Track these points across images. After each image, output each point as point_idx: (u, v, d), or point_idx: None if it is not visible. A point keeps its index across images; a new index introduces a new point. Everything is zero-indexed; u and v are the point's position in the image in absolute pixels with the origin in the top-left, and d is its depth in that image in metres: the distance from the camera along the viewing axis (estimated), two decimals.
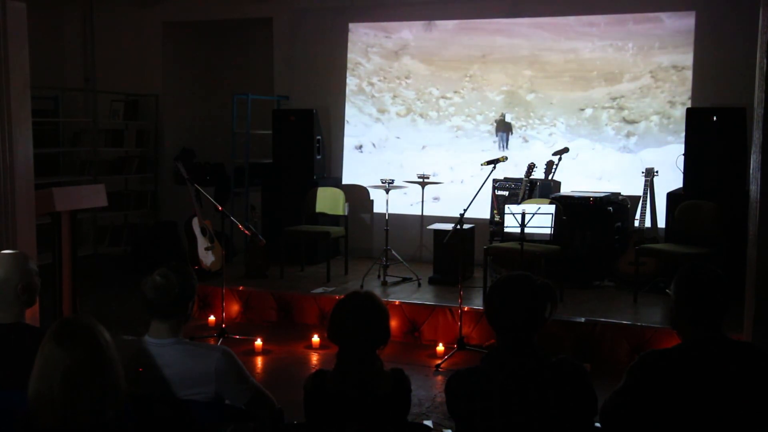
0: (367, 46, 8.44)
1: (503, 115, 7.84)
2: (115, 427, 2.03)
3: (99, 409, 1.98)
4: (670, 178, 6.83)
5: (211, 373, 2.63)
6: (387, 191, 6.90)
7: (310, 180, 7.79)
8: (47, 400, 1.96)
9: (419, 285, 6.75)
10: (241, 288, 6.70)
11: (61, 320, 2.14)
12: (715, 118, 6.41)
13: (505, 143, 7.82)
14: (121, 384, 2.05)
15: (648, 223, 6.78)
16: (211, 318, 6.40)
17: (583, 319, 5.64)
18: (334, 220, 7.55)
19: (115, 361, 2.05)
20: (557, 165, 7.08)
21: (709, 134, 6.40)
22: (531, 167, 6.92)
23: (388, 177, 7.06)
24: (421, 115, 8.24)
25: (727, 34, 6.88)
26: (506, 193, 7.11)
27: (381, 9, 8.33)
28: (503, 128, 7.84)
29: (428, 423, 4.14)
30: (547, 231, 5.85)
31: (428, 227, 7.09)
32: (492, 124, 7.88)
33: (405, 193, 7.77)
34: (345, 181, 8.37)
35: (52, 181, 7.62)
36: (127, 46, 9.33)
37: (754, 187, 4.72)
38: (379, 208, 8.04)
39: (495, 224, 7.01)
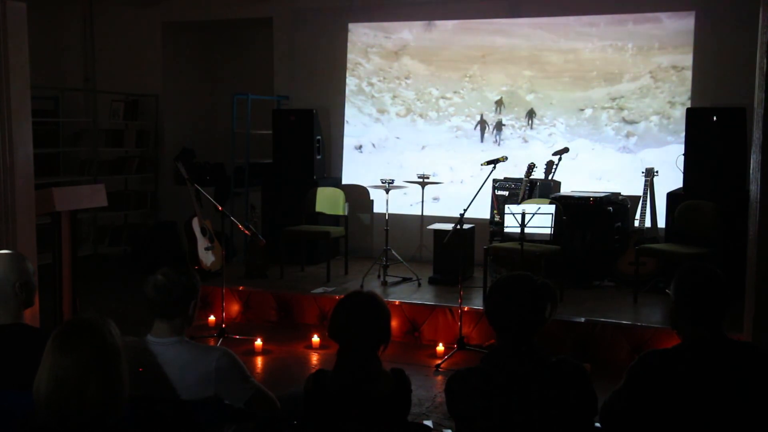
0: (367, 46, 8.44)
1: (500, 119, 7.85)
2: (117, 428, 2.03)
3: (101, 412, 1.98)
4: (670, 178, 6.83)
5: (212, 372, 2.63)
6: (387, 191, 6.90)
7: (310, 180, 7.79)
8: (50, 402, 1.96)
9: (419, 285, 6.75)
10: (241, 288, 6.70)
11: (66, 322, 2.14)
12: (715, 118, 6.41)
13: (498, 139, 7.85)
14: (124, 387, 2.05)
15: (648, 223, 6.78)
16: (211, 318, 6.40)
17: (583, 319, 5.64)
18: (334, 220, 7.55)
19: (120, 364, 2.05)
20: (557, 165, 7.08)
21: (709, 134, 6.40)
22: (531, 167, 6.92)
23: (388, 177, 7.06)
24: (420, 116, 8.24)
25: (727, 34, 6.88)
26: (506, 193, 7.11)
27: (381, 9, 8.33)
28: (492, 128, 7.87)
29: (428, 423, 4.14)
30: (547, 231, 5.85)
31: (428, 227, 7.09)
32: (494, 132, 7.89)
33: (405, 193, 7.77)
34: (345, 181, 8.38)
35: (52, 181, 7.62)
36: (127, 46, 9.34)
37: (754, 187, 4.72)
38: (379, 208, 8.04)
39: (495, 224, 7.01)
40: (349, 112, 8.52)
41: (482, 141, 7.91)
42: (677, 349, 2.50)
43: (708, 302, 2.48)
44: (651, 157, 7.21)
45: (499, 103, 7.85)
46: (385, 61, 8.37)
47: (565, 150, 7.09)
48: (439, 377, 5.21)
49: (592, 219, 6.60)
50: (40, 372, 2.00)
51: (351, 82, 8.50)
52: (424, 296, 6.38)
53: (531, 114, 7.73)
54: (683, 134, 6.71)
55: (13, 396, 2.44)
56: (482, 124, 7.93)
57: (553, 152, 7.13)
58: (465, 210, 5.55)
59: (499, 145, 7.84)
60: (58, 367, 1.97)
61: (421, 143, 8.22)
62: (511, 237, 6.05)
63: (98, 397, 1.98)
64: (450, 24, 8.10)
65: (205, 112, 9.69)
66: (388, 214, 6.95)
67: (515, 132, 7.82)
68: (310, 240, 7.41)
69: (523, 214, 5.65)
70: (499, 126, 7.86)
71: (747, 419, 2.35)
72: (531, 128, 7.73)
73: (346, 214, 7.31)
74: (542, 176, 7.05)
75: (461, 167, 7.93)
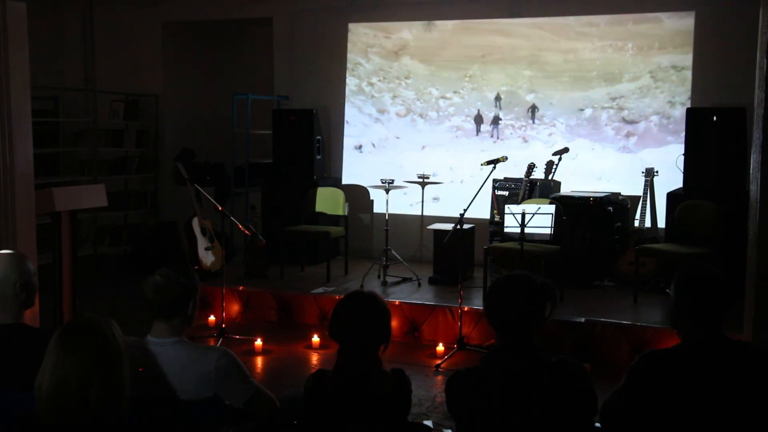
0: (367, 46, 8.44)
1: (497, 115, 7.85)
2: (117, 428, 2.03)
3: (102, 412, 1.99)
4: (670, 178, 6.83)
5: (212, 372, 2.63)
6: (387, 191, 6.90)
7: (310, 180, 7.79)
8: (51, 401, 1.97)
9: (419, 285, 6.75)
10: (241, 288, 6.70)
11: (68, 322, 2.14)
12: (715, 118, 6.41)
13: (496, 134, 7.87)
14: (126, 388, 2.05)
15: (648, 223, 6.78)
16: (211, 318, 6.40)
17: (583, 319, 5.64)
18: (334, 220, 7.55)
19: (122, 365, 2.05)
20: (557, 165, 7.08)
21: (709, 134, 6.40)
22: (531, 167, 6.91)
23: (388, 177, 7.06)
24: (420, 115, 8.24)
25: (727, 34, 6.88)
26: (506, 193, 7.11)
27: (381, 9, 8.33)
28: (489, 122, 7.89)
29: (428, 423, 4.14)
30: (547, 231, 5.85)
31: (428, 227, 7.09)
32: (491, 126, 7.89)
33: (405, 193, 7.77)
34: (345, 181, 8.38)
35: (52, 181, 7.61)
36: (127, 46, 9.33)
37: (754, 187, 4.73)
38: (379, 208, 8.04)
39: (495, 224, 7.01)
40: (349, 112, 8.51)
41: (477, 134, 7.90)
42: (677, 349, 2.50)
43: (708, 302, 2.48)
44: (651, 157, 7.21)
45: (498, 98, 7.85)
46: (385, 61, 8.37)
47: (565, 150, 7.09)
48: (439, 377, 5.21)
49: (592, 219, 6.60)
50: (42, 371, 2.01)
51: (351, 82, 8.50)
52: (424, 296, 6.38)
53: (533, 109, 7.73)
54: (683, 134, 6.71)
55: (13, 396, 2.45)
56: (478, 118, 7.93)
57: (553, 152, 7.13)
58: (465, 210, 5.55)
59: (491, 137, 7.84)
60: (59, 367, 1.98)
61: (421, 143, 8.22)
62: (511, 237, 6.05)
63: (99, 397, 1.98)
64: (450, 24, 8.10)
65: (205, 112, 9.69)
66: (388, 214, 6.95)
67: (515, 132, 7.82)
68: (310, 240, 7.40)
69: (523, 214, 5.65)
70: (495, 121, 7.86)
71: (747, 419, 2.35)
72: (533, 122, 7.71)
73: (346, 214, 7.31)
74: (542, 176, 7.04)
75: (461, 167, 7.93)
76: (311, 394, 2.51)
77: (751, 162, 4.90)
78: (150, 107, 9.39)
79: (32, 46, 4.38)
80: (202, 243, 6.67)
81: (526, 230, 5.67)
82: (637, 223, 6.84)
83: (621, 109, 7.45)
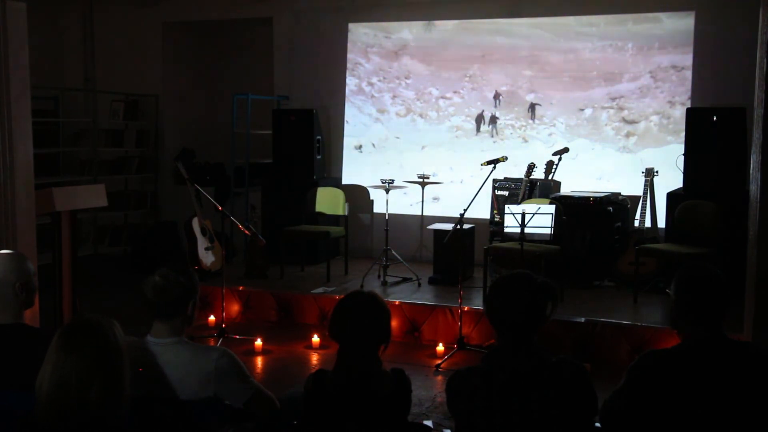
0: (367, 46, 8.44)
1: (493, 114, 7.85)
2: (117, 428, 2.03)
3: (102, 412, 1.99)
4: (670, 178, 6.83)
5: (212, 372, 2.63)
6: (387, 191, 6.90)
7: (310, 180, 7.79)
8: (51, 401, 1.97)
9: (419, 285, 6.75)
10: (241, 288, 6.70)
11: (70, 322, 2.14)
12: (715, 118, 6.41)
13: (495, 133, 7.88)
14: (126, 388, 2.05)
15: (648, 223, 6.78)
16: (211, 318, 6.40)
17: (583, 319, 5.64)
18: (334, 220, 7.55)
19: (122, 365, 2.05)
20: (557, 165, 7.08)
21: (709, 134, 6.40)
22: (531, 167, 6.92)
23: (388, 177, 7.06)
24: (420, 115, 8.24)
25: (727, 34, 6.88)
26: (506, 193, 7.11)
27: (381, 9, 8.33)
28: (487, 121, 7.89)
29: (428, 423, 4.14)
30: (547, 231, 5.85)
31: (428, 227, 7.09)
32: (489, 126, 7.89)
33: (405, 193, 7.77)
34: (345, 181, 8.38)
35: (52, 181, 7.61)
36: (127, 46, 9.33)
37: (754, 187, 4.73)
38: (379, 208, 8.03)
39: (495, 224, 7.01)
40: (349, 112, 8.51)
41: (477, 134, 7.91)
42: (677, 349, 2.50)
43: (708, 302, 2.48)
44: (651, 157, 7.21)
45: (496, 97, 7.84)
46: (385, 61, 8.37)
47: (565, 150, 7.09)
48: (439, 377, 5.21)
49: (592, 219, 6.60)
50: (43, 371, 2.01)
51: (351, 82, 8.50)
52: (424, 296, 6.38)
53: (533, 107, 7.73)
54: (683, 134, 6.71)
55: (13, 396, 2.45)
56: (480, 118, 7.93)
57: (553, 152, 7.13)
58: (465, 210, 5.55)
59: (492, 136, 7.84)
60: (60, 367, 1.98)
61: (421, 143, 8.22)
62: (511, 237, 6.05)
63: (99, 398, 1.98)
64: (450, 24, 8.10)
65: (205, 112, 9.69)
66: (388, 214, 6.95)
67: (515, 132, 7.82)
68: (310, 240, 7.41)
69: (523, 214, 5.65)
70: (493, 120, 7.86)
71: (747, 419, 2.35)
72: (533, 121, 7.71)
73: (346, 214, 7.31)
74: (542, 176, 7.05)
75: (461, 167, 7.93)
76: (311, 394, 2.51)
77: (751, 162, 4.90)
78: (150, 107, 9.39)
79: (32, 46, 4.38)
80: (202, 243, 6.67)
81: (526, 230, 5.67)
82: (637, 223, 6.84)
83: (621, 109, 7.45)
